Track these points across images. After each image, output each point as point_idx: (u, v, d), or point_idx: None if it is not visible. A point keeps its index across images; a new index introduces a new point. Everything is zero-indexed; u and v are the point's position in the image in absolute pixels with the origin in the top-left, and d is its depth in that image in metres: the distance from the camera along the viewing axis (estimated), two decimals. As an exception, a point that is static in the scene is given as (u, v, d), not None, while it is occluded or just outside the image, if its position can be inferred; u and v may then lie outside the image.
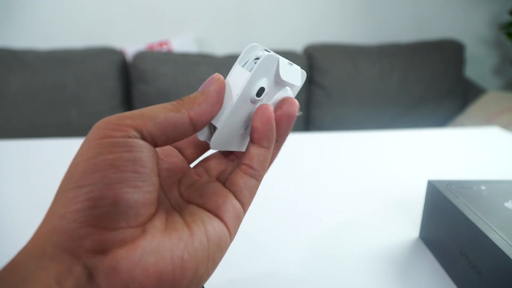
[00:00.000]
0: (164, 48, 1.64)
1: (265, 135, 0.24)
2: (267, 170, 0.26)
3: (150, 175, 0.20)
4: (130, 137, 0.20)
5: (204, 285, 0.24)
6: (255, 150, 0.25)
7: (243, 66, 0.24)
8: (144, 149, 0.20)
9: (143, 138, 0.21)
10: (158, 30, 1.71)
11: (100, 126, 0.20)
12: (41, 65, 1.43)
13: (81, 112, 1.45)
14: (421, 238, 0.43)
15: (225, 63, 1.53)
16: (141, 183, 0.20)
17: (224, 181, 0.25)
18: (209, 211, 0.24)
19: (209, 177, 0.26)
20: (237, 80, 0.24)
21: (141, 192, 0.20)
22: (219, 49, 1.73)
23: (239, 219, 0.24)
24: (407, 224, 0.45)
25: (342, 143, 0.73)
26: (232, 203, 0.24)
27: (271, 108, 0.24)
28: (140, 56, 1.51)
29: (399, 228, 0.45)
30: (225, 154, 0.28)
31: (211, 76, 0.24)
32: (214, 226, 0.23)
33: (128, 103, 1.57)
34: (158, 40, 1.67)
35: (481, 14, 1.95)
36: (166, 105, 0.22)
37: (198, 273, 0.21)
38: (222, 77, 0.24)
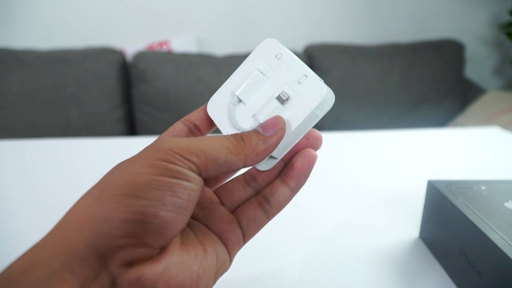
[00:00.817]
0: (164, 48, 1.64)
1: (297, 176, 0.24)
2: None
3: (194, 205, 0.21)
4: (191, 170, 0.21)
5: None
6: (280, 187, 0.25)
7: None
8: (199, 183, 0.21)
9: (200, 174, 0.21)
10: (158, 30, 1.71)
11: (167, 152, 0.20)
12: (41, 65, 1.43)
13: (81, 112, 1.45)
14: (421, 238, 0.43)
15: (225, 63, 1.53)
16: (187, 212, 0.20)
17: (232, 203, 0.26)
18: (213, 233, 0.24)
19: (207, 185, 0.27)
20: (299, 118, 0.25)
21: (183, 222, 0.20)
22: (219, 49, 1.73)
23: (238, 248, 0.25)
24: (407, 224, 0.45)
25: (342, 143, 0.73)
26: (235, 232, 0.24)
27: (316, 156, 0.25)
28: (140, 56, 1.51)
29: (399, 228, 0.45)
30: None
31: (277, 119, 0.24)
32: (221, 246, 0.24)
33: (128, 103, 1.57)
34: (158, 40, 1.67)
35: (481, 14, 1.95)
36: (227, 143, 0.22)
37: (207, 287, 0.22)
38: (285, 125, 0.24)
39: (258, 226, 0.25)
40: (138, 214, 0.19)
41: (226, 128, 0.26)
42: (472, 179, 0.41)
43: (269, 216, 0.25)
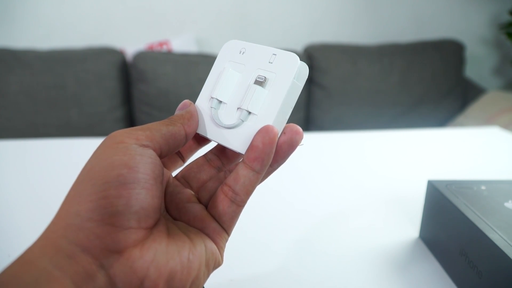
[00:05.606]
0: (164, 48, 1.64)
1: (260, 157, 0.22)
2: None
3: (157, 180, 0.21)
4: (143, 145, 0.21)
5: (204, 285, 0.24)
6: (243, 172, 0.23)
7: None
8: (153, 156, 0.22)
9: (153, 149, 0.22)
10: (158, 30, 1.70)
11: (114, 135, 0.22)
12: (41, 65, 1.43)
13: (81, 112, 1.45)
14: (421, 238, 0.43)
15: (225, 63, 1.52)
16: (150, 185, 0.21)
17: (206, 197, 0.26)
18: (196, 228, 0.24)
19: (190, 187, 0.27)
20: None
21: (150, 196, 0.21)
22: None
23: (222, 240, 0.25)
24: (407, 224, 0.45)
25: (342, 143, 0.73)
26: (211, 227, 0.24)
27: (277, 131, 0.23)
28: (140, 56, 1.51)
29: (399, 228, 0.45)
30: (208, 159, 0.28)
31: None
32: (207, 238, 0.24)
33: (128, 103, 1.57)
34: (158, 40, 1.67)
35: (481, 14, 1.95)
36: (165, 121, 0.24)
37: (199, 274, 0.22)
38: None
39: (231, 217, 0.24)
40: (101, 200, 0.19)
41: (213, 133, 0.26)
42: (472, 179, 0.41)
43: (239, 204, 0.24)
